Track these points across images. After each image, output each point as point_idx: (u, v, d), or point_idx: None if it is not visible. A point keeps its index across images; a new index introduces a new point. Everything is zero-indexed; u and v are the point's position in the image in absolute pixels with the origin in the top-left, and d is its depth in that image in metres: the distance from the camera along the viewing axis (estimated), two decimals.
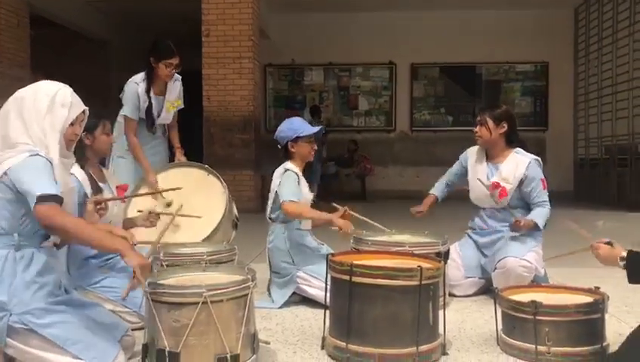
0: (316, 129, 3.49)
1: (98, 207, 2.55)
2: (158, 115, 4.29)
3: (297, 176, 3.38)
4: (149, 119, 4.23)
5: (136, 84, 4.17)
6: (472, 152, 3.81)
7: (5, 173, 2.07)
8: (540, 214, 3.48)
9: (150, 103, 4.21)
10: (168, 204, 3.99)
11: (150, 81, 4.18)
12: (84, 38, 11.46)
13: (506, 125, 3.59)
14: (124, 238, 2.29)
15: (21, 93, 2.21)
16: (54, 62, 10.40)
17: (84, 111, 2.28)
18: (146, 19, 11.45)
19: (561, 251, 2.87)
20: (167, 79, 4.20)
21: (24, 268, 2.08)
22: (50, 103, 2.17)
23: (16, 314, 2.01)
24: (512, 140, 3.63)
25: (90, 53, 11.54)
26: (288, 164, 3.41)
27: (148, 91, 4.18)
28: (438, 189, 3.96)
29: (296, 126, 3.44)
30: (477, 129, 3.64)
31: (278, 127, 3.50)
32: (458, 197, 3.95)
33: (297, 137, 3.41)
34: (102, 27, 11.70)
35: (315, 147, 3.50)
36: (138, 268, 2.01)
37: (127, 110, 4.16)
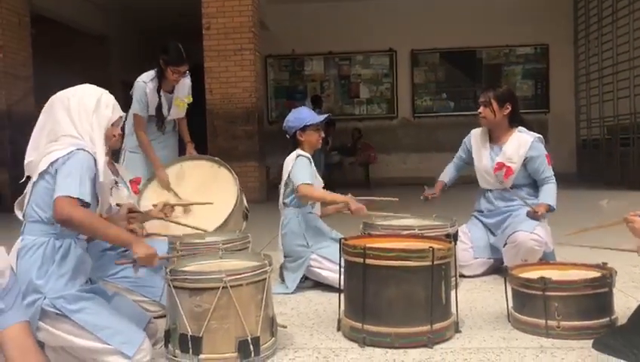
0: (324, 117, 3.54)
1: (130, 215, 2.66)
2: (168, 112, 4.34)
3: (310, 160, 3.45)
4: (158, 117, 4.29)
5: (144, 83, 4.22)
6: (475, 134, 3.85)
7: (52, 164, 2.16)
8: (549, 194, 3.53)
9: (160, 102, 4.26)
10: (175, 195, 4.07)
11: (160, 80, 4.23)
12: (84, 35, 11.49)
13: (510, 106, 3.63)
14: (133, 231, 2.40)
15: (66, 93, 2.34)
16: (55, 59, 10.46)
17: (121, 117, 2.43)
18: (145, 14, 11.47)
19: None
20: (174, 83, 4.25)
21: (61, 258, 2.17)
22: (97, 103, 2.32)
23: (49, 298, 2.09)
24: (515, 120, 3.68)
25: (90, 50, 11.58)
26: (300, 151, 3.47)
27: (158, 90, 4.23)
28: (446, 175, 4.02)
29: (304, 115, 3.50)
30: (481, 110, 3.67)
31: (287, 117, 3.55)
32: (463, 181, 4.00)
33: (305, 126, 3.47)
34: (101, 23, 11.73)
35: (323, 135, 3.57)
36: (142, 257, 2.15)
37: (135, 108, 4.23)
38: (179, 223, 3.46)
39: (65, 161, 2.15)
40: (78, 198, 2.08)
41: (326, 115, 3.62)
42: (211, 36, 8.69)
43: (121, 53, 12.08)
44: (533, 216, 3.44)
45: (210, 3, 8.66)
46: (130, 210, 2.72)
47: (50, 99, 2.35)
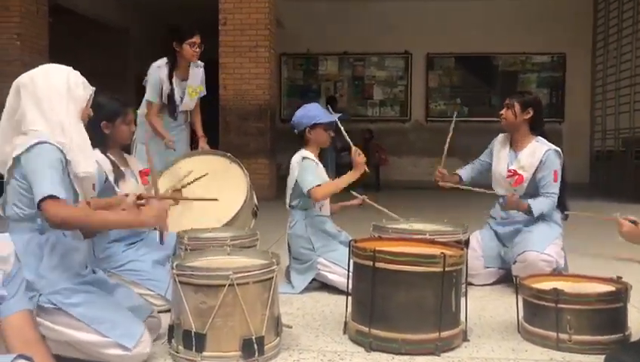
0: (336, 116, 3.49)
1: (139, 202, 2.58)
2: (181, 101, 4.33)
3: (315, 162, 3.40)
4: (171, 105, 4.28)
5: (157, 68, 4.24)
6: (499, 139, 3.82)
7: (15, 160, 2.07)
8: (540, 202, 3.46)
9: (172, 89, 4.25)
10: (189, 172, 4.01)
11: (173, 67, 4.23)
12: (103, 27, 11.48)
13: (531, 111, 3.59)
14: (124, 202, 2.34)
15: (31, 77, 2.17)
16: (73, 49, 10.45)
17: (92, 94, 2.30)
18: (165, 8, 11.47)
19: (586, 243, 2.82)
20: (193, 59, 4.26)
21: (50, 251, 2.12)
22: (67, 85, 2.18)
23: (45, 294, 2.05)
24: (536, 128, 3.63)
25: (109, 42, 11.56)
26: (304, 152, 3.42)
27: (170, 78, 4.23)
28: (463, 171, 3.93)
29: (313, 113, 3.44)
30: (503, 111, 3.66)
31: (296, 113, 3.50)
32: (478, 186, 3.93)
33: (315, 124, 3.42)
34: (121, 15, 11.73)
35: (332, 134, 3.51)
36: (158, 220, 2.17)
37: (148, 94, 4.24)
38: (187, 198, 3.38)
39: (27, 159, 2.04)
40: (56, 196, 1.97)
41: (338, 115, 3.55)
42: (227, 32, 8.67)
43: (141, 47, 12.08)
44: (508, 199, 3.42)
45: None
46: (139, 197, 2.64)
47: (14, 82, 2.18)
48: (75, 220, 2.03)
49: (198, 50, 4.24)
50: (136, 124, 3.14)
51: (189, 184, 3.51)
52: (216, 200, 3.25)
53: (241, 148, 8.54)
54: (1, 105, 2.20)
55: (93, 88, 2.30)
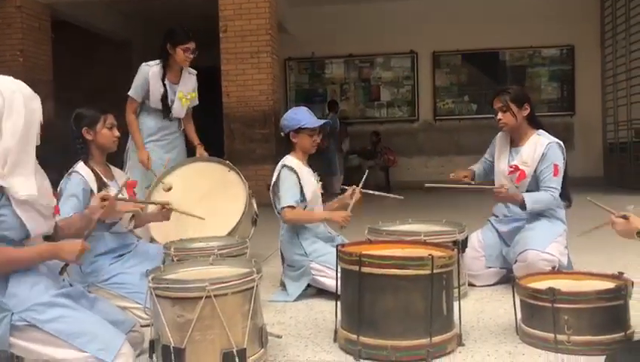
0: (320, 122, 3.38)
1: (102, 203, 2.50)
2: (172, 103, 4.28)
3: (295, 172, 3.29)
4: (164, 106, 4.24)
5: (148, 67, 4.21)
6: (500, 136, 3.69)
7: None
8: (536, 195, 3.32)
9: (165, 90, 4.21)
10: (169, 188, 3.95)
11: (165, 68, 4.19)
12: (106, 40, 11.54)
13: (528, 106, 3.47)
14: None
15: None
16: (76, 64, 10.52)
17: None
18: (166, 19, 11.47)
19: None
20: (185, 64, 4.22)
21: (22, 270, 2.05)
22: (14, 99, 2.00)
23: (17, 312, 1.98)
24: (534, 121, 3.51)
25: (112, 55, 11.61)
26: (287, 159, 3.33)
27: (163, 79, 4.19)
28: (477, 165, 3.82)
29: (299, 116, 3.35)
30: (500, 116, 3.49)
31: (284, 115, 3.43)
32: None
33: (300, 128, 3.33)
34: (123, 28, 11.77)
35: (318, 140, 3.41)
36: (70, 255, 2.07)
37: (131, 90, 4.21)
38: (177, 210, 3.30)
39: None
40: None
41: (324, 121, 3.43)
42: (228, 39, 8.64)
43: (144, 59, 12.10)
44: (495, 192, 3.31)
45: (227, 5, 8.62)
46: (103, 198, 2.55)
47: None
48: None
49: (191, 55, 4.20)
50: (119, 130, 3.09)
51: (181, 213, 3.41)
52: (202, 218, 3.19)
53: (247, 155, 8.52)
54: None
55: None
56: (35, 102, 2.07)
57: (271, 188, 3.35)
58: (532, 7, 11.15)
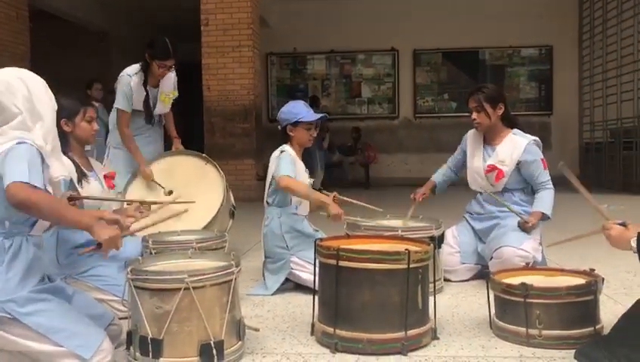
0: (317, 116, 3.42)
1: (71, 203, 2.49)
2: (154, 107, 4.26)
3: (292, 157, 3.33)
4: (146, 111, 4.20)
5: (129, 77, 4.13)
6: (470, 135, 3.73)
7: None
8: (544, 201, 3.39)
9: (147, 96, 4.18)
10: (170, 192, 3.99)
11: (146, 74, 4.14)
12: (84, 30, 11.41)
13: (502, 106, 3.52)
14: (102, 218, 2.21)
15: (16, 77, 2.10)
16: (55, 54, 10.38)
17: None
18: (146, 10, 11.40)
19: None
20: (160, 78, 4.16)
21: (11, 258, 2.04)
22: (47, 91, 2.16)
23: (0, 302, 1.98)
24: (508, 119, 3.56)
25: (91, 45, 11.49)
26: (285, 147, 3.37)
27: (144, 84, 4.14)
28: (438, 175, 3.88)
29: (297, 110, 3.38)
30: (475, 116, 3.53)
31: (282, 108, 3.45)
32: (461, 182, 3.89)
33: (297, 122, 3.36)
34: (101, 18, 11.64)
35: (314, 134, 3.44)
36: (106, 240, 1.97)
37: (119, 103, 4.13)
38: (156, 202, 3.32)
39: (6, 156, 1.98)
40: (30, 183, 1.92)
41: (322, 115, 3.47)
42: (210, 32, 8.60)
43: (122, 50, 11.99)
44: (523, 227, 3.32)
45: None
46: (70, 198, 2.55)
47: None
48: (37, 203, 1.91)
49: (167, 72, 4.15)
50: (98, 123, 3.07)
51: (162, 204, 3.43)
52: (192, 201, 3.19)
53: (227, 150, 8.50)
54: None
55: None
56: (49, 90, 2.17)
57: (269, 175, 3.36)
58: (512, 7, 11.28)
